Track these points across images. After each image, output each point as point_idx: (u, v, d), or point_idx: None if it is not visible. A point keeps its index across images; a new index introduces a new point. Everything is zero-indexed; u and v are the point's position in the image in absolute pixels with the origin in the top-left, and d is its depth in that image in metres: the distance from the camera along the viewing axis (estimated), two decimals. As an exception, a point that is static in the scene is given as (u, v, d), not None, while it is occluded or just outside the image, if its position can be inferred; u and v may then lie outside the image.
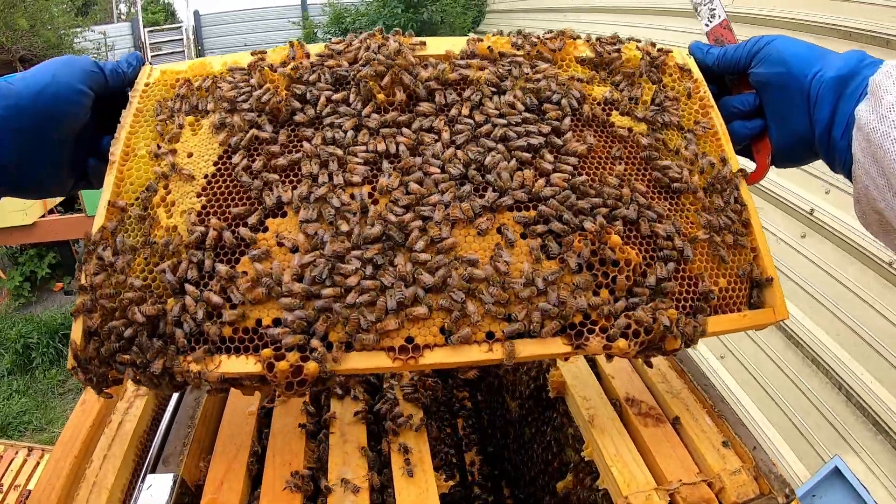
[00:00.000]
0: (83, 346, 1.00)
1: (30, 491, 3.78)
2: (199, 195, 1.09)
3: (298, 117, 1.15)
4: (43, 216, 6.84)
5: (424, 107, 1.16)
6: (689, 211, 1.18)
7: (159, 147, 1.14)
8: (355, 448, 1.29)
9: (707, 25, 1.32)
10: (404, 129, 1.14)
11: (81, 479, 1.34)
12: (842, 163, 1.05)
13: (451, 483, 1.31)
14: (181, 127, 1.16)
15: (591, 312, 1.02)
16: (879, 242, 2.96)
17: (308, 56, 1.23)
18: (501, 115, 1.16)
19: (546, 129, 1.15)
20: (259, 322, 0.99)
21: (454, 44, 1.27)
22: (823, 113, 1.05)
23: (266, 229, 1.05)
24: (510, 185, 1.07)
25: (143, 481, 1.24)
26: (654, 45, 1.33)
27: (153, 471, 1.26)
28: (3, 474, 3.94)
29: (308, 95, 1.17)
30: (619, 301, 1.04)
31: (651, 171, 1.19)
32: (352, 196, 1.06)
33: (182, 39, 15.89)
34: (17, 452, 4.12)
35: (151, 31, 16.12)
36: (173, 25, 17.64)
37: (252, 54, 1.24)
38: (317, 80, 1.18)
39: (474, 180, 1.07)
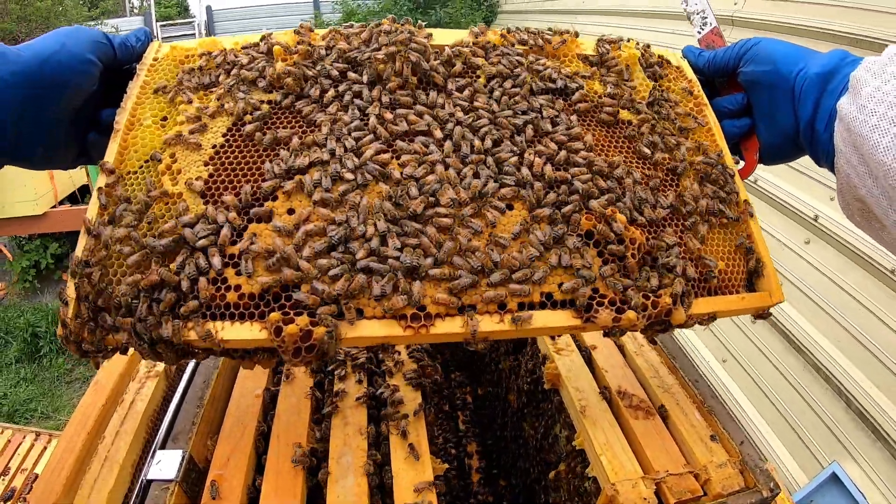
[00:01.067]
0: (76, 311, 0.96)
1: (37, 475, 3.84)
2: (206, 164, 1.07)
3: (313, 91, 1.16)
4: (53, 207, 6.91)
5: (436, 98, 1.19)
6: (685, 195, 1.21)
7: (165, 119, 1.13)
8: (356, 430, 1.34)
9: (699, 32, 1.40)
10: (418, 107, 1.15)
11: (94, 454, 1.40)
12: (825, 154, 1.09)
13: (446, 466, 1.35)
14: (190, 102, 1.14)
15: (599, 284, 1.02)
16: (882, 249, 2.97)
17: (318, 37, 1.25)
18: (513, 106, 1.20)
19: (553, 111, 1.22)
20: (267, 290, 0.95)
21: (461, 35, 1.30)
22: (807, 108, 1.10)
23: (276, 198, 1.03)
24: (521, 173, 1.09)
25: (153, 457, 1.29)
26: (648, 47, 1.39)
27: (163, 447, 1.32)
28: (11, 458, 4.01)
29: (321, 73, 1.18)
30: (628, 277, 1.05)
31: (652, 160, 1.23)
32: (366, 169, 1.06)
33: (195, 34, 16.02)
34: (24, 437, 4.18)
35: (164, 26, 16.28)
36: (186, 20, 17.80)
37: (261, 39, 1.23)
38: (329, 60, 1.20)
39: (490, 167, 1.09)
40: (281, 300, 0.95)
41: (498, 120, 1.15)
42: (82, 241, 1.01)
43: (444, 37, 1.29)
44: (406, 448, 1.29)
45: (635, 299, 1.03)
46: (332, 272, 0.95)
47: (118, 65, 1.15)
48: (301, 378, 1.50)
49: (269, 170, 1.05)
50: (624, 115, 1.26)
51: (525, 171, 1.09)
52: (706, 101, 1.32)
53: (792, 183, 3.65)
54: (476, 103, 1.18)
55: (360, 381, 1.48)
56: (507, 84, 1.23)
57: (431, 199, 1.03)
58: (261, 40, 1.22)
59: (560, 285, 1.01)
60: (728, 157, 1.26)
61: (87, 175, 6.40)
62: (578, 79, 1.28)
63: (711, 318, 1.11)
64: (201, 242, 0.98)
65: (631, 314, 1.01)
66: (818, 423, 3.32)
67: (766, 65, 1.17)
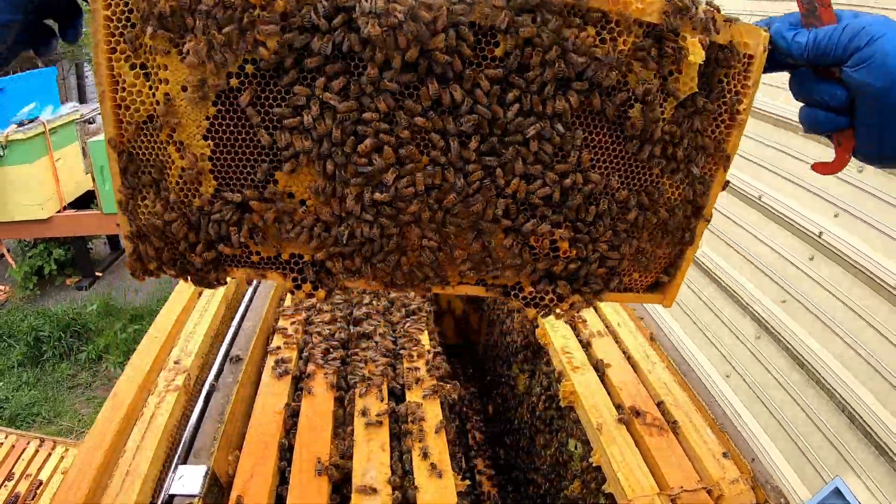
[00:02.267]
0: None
1: (41, 481, 3.86)
2: (205, 137, 1.01)
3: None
4: (59, 211, 6.92)
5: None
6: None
7: (147, 72, 1.00)
8: (378, 447, 1.36)
9: None
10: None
11: (114, 467, 1.41)
12: None
13: (467, 482, 1.38)
14: (168, 53, 0.98)
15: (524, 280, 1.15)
16: (886, 266, 2.99)
17: None
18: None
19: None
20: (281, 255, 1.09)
21: None
22: None
23: (276, 182, 1.03)
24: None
25: (175, 471, 1.31)
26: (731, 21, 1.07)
27: (184, 462, 1.34)
28: (15, 463, 4.02)
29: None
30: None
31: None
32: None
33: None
34: (28, 443, 4.19)
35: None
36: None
37: None
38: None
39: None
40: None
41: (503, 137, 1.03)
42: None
43: None
44: (428, 465, 1.31)
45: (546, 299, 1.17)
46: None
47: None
48: (322, 394, 1.52)
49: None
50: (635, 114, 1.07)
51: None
52: (744, 122, 1.14)
53: (796, 199, 3.69)
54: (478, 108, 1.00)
55: (381, 399, 1.50)
56: (529, 76, 0.99)
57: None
58: None
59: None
60: (712, 199, 1.20)
61: (94, 181, 6.41)
62: (619, 65, 1.02)
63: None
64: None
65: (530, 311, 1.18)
66: (821, 438, 3.34)
67: (882, 78, 0.96)
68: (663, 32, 1.01)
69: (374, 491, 1.25)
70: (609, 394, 1.53)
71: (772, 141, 3.85)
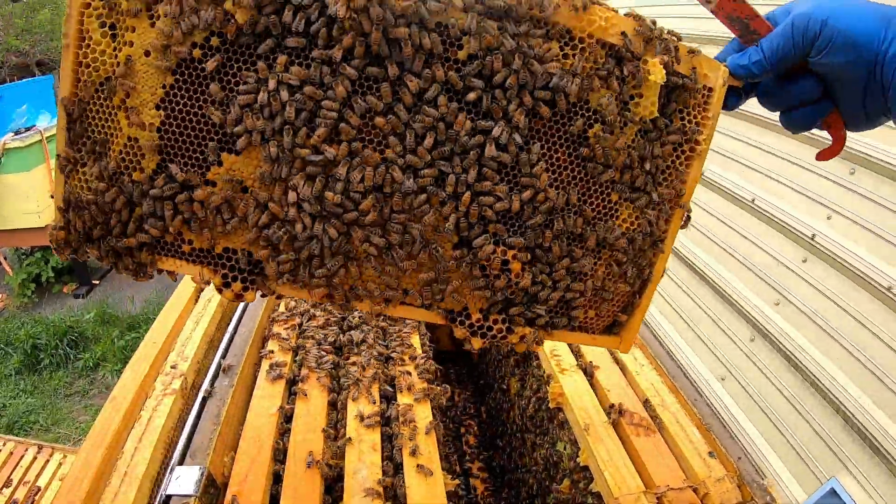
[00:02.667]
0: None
1: (39, 487, 3.87)
2: (157, 106, 1.00)
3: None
4: (57, 219, 6.93)
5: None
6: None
7: (115, 33, 1.00)
8: (369, 447, 1.39)
9: (709, 2, 1.06)
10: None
11: (113, 469, 1.44)
12: None
13: (457, 482, 1.40)
14: (138, 14, 0.98)
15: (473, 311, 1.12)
16: (880, 267, 3.03)
17: None
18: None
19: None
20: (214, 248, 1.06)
21: None
22: None
23: (221, 163, 1.02)
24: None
25: (171, 472, 1.34)
26: (693, 52, 1.09)
27: (181, 463, 1.36)
28: (13, 470, 4.03)
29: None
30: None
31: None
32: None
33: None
34: (26, 450, 4.21)
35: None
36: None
37: None
38: None
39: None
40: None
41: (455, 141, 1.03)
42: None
43: None
44: (418, 465, 1.34)
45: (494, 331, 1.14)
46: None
47: None
48: (315, 397, 1.55)
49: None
50: (603, 141, 1.07)
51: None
52: (705, 154, 1.14)
53: (789, 202, 3.72)
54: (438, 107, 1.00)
55: (373, 402, 1.53)
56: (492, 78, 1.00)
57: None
58: None
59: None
60: (670, 235, 1.21)
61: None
62: (579, 84, 1.02)
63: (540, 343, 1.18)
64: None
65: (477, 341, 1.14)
66: (816, 439, 3.35)
67: (846, 52, 0.98)
68: (624, 53, 1.03)
69: (366, 490, 1.28)
70: (597, 395, 1.55)
71: (763, 144, 3.88)
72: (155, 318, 1.93)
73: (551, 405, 1.55)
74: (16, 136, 6.27)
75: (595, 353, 1.71)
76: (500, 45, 0.99)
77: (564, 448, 1.52)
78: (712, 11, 1.06)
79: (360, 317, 1.90)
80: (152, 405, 1.59)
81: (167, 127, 1.01)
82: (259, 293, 1.11)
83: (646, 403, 1.52)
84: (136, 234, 1.07)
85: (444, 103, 0.99)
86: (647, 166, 1.12)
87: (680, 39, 1.09)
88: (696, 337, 4.27)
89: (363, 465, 1.34)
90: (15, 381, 6.49)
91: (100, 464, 1.43)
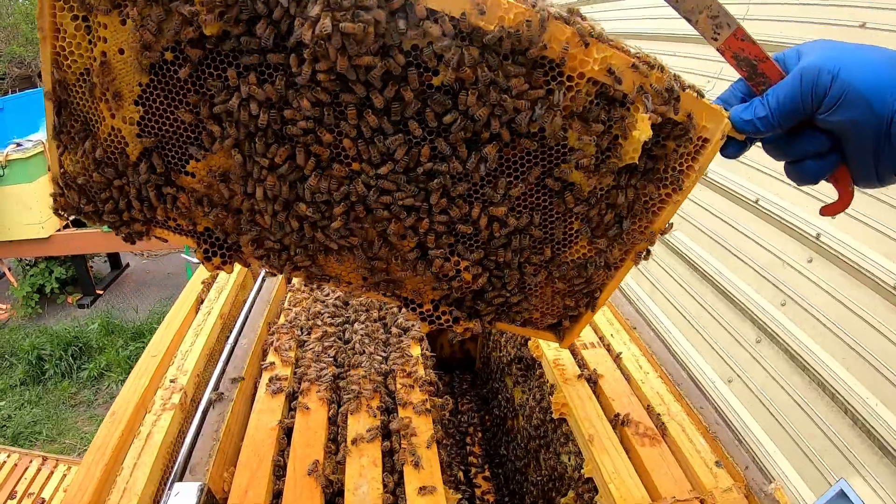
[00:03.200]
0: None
1: (43, 499, 3.87)
2: (136, 102, 1.01)
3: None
4: (59, 230, 6.95)
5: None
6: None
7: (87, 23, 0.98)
8: (370, 462, 1.37)
9: (715, 39, 0.98)
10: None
11: (112, 485, 1.42)
12: None
13: (459, 496, 1.38)
14: (108, 12, 0.96)
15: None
16: (886, 266, 3.01)
17: None
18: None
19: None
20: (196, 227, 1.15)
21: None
22: None
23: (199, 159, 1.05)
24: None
25: (170, 488, 1.32)
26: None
27: (181, 479, 1.35)
28: (18, 482, 4.03)
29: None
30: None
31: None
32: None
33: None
34: (31, 461, 4.20)
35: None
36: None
37: None
38: None
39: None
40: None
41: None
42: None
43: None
44: (420, 479, 1.32)
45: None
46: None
47: None
48: (316, 410, 1.53)
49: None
50: (575, 176, 1.03)
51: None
52: (680, 201, 1.08)
53: (793, 202, 3.69)
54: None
55: (373, 415, 1.51)
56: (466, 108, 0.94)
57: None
58: None
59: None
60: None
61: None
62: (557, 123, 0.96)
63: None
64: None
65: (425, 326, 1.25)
66: (824, 440, 3.33)
67: (857, 108, 0.92)
68: (613, 94, 0.96)
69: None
70: (601, 405, 1.53)
71: (766, 145, 3.85)
72: (159, 328, 1.92)
73: (555, 415, 1.53)
74: (17, 148, 6.29)
75: (598, 360, 1.69)
76: (477, 79, 0.92)
77: (569, 459, 1.50)
78: (718, 50, 0.99)
79: (359, 328, 1.88)
80: (151, 420, 1.58)
81: (146, 121, 1.03)
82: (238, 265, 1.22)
83: (651, 412, 1.50)
84: (125, 212, 1.13)
85: (402, 145, 0.98)
86: (619, 202, 1.06)
87: (686, 90, 0.99)
88: (702, 340, 4.25)
89: (364, 480, 1.32)
90: (20, 392, 6.51)
91: (98, 480, 1.42)
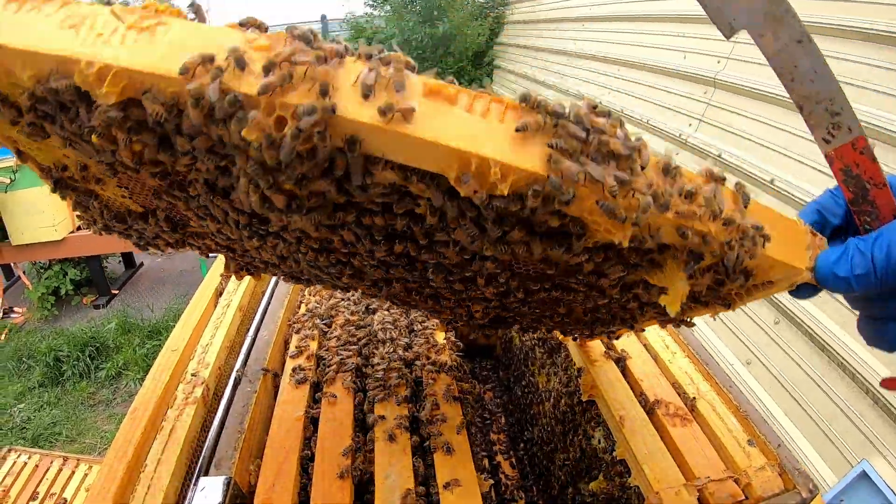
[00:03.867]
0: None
1: (65, 499, 3.89)
2: (119, 185, 1.01)
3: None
4: (72, 232, 6.99)
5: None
6: None
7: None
8: (400, 450, 1.35)
9: (827, 142, 0.77)
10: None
11: (136, 482, 1.41)
12: None
13: (491, 482, 1.37)
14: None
15: None
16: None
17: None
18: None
19: None
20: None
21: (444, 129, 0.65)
22: None
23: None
24: None
25: (196, 483, 1.31)
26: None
27: (206, 474, 1.33)
28: (39, 483, 4.05)
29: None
30: None
31: None
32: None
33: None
34: (52, 462, 4.23)
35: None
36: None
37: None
38: None
39: None
40: None
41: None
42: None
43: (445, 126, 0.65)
44: (450, 465, 1.31)
45: None
46: None
47: None
48: (342, 399, 1.51)
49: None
50: None
51: None
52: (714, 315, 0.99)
53: (809, 182, 3.64)
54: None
55: (399, 403, 1.49)
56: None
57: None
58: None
59: None
60: None
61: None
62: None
63: None
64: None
65: None
66: (845, 421, 3.29)
67: None
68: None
69: (397, 494, 1.25)
70: (630, 386, 1.51)
71: (783, 124, 3.81)
72: (175, 325, 1.91)
73: (583, 398, 1.51)
74: (27, 151, 6.30)
75: (625, 341, 1.66)
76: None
77: (598, 442, 1.48)
78: (826, 156, 0.78)
79: (383, 316, 1.86)
80: (174, 415, 1.56)
81: (136, 198, 1.06)
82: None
83: (681, 393, 1.48)
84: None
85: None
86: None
87: (761, 230, 0.76)
88: (719, 322, 4.21)
89: (393, 469, 1.31)
90: (38, 394, 6.56)
91: (122, 478, 1.40)
